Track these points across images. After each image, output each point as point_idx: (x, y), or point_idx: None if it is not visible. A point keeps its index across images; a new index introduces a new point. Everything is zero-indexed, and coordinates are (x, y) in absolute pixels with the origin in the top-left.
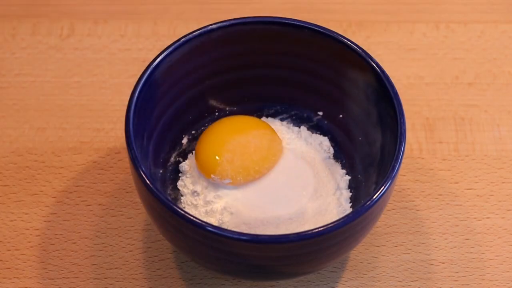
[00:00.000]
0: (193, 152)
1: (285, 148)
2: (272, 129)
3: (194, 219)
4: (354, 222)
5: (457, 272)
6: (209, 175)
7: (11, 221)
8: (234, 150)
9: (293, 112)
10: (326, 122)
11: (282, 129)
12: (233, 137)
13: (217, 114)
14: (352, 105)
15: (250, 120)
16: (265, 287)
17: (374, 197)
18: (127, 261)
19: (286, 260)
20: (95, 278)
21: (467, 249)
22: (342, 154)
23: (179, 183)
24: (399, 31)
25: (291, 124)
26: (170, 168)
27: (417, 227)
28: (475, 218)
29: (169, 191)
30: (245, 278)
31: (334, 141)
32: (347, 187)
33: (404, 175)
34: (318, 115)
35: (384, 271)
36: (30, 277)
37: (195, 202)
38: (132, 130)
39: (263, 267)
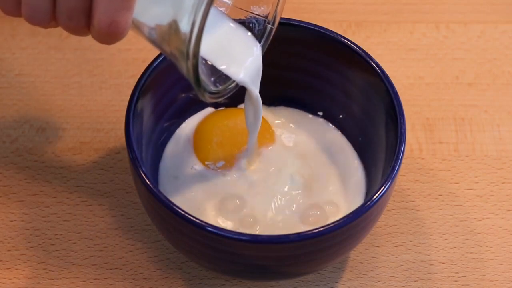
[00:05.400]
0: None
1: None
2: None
3: (194, 219)
4: (354, 222)
5: (457, 272)
6: (203, 162)
7: (11, 221)
8: (223, 134)
9: None
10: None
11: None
12: (223, 124)
13: None
14: (352, 105)
15: (239, 111)
16: (265, 287)
17: (374, 197)
18: (127, 261)
19: (286, 260)
20: (95, 279)
21: (467, 249)
22: None
23: None
24: (399, 31)
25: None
26: None
27: (417, 227)
28: (475, 218)
29: None
30: (245, 278)
31: None
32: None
33: (404, 175)
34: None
35: (384, 271)
36: (30, 277)
37: None
38: (132, 130)
39: (263, 267)
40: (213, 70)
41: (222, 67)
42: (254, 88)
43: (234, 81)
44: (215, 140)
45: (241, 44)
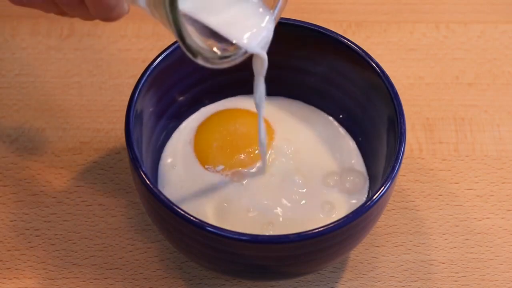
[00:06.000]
0: None
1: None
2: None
3: (194, 219)
4: (354, 222)
5: (457, 272)
6: (204, 164)
7: (11, 221)
8: (224, 138)
9: None
10: None
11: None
12: (224, 127)
13: None
14: (352, 105)
15: (240, 112)
16: (265, 287)
17: (374, 197)
18: (127, 261)
19: (286, 260)
20: (95, 279)
21: (467, 249)
22: None
23: None
24: (399, 31)
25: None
26: None
27: (417, 227)
28: (475, 218)
29: None
30: (245, 278)
31: None
32: None
33: (404, 175)
34: None
35: (384, 271)
36: (30, 277)
37: None
38: (132, 130)
39: (263, 267)
40: (222, 37)
41: (229, 35)
42: (262, 52)
43: (241, 49)
44: (215, 144)
45: (249, 12)
